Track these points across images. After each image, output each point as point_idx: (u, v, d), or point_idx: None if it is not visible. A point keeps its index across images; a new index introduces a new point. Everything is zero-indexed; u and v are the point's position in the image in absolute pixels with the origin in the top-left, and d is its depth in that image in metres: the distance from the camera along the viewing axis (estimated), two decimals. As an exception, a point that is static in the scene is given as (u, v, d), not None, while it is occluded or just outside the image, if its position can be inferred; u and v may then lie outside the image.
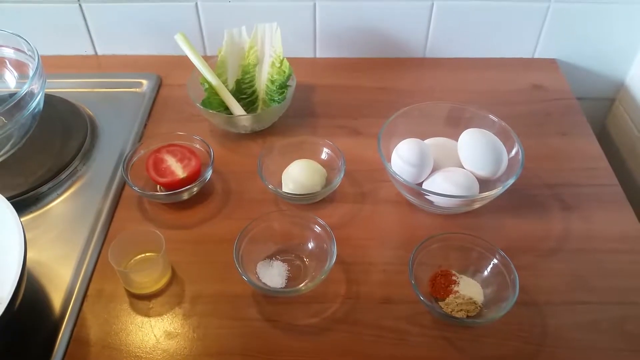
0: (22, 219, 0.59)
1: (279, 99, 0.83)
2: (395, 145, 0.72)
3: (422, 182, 0.72)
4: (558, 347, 0.59)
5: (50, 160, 0.78)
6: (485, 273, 0.64)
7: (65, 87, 0.91)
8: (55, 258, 0.68)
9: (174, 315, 0.63)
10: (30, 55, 0.78)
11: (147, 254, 0.67)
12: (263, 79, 0.86)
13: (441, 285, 0.63)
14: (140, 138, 0.84)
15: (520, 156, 0.70)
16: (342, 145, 0.77)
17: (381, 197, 0.75)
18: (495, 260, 0.64)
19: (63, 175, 0.77)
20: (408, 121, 0.76)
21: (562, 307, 0.63)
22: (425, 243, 0.64)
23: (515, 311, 0.59)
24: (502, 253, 0.63)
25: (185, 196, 0.74)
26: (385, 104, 0.89)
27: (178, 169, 0.74)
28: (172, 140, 0.78)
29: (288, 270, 0.66)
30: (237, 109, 0.83)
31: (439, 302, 0.62)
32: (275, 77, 0.84)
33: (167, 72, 0.96)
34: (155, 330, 0.61)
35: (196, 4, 0.93)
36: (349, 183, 0.77)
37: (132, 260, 0.67)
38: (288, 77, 0.83)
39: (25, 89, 0.71)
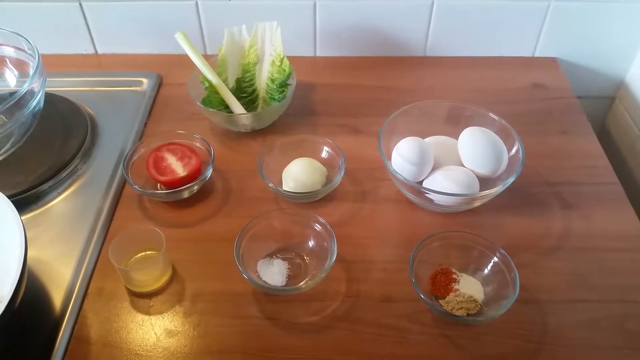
0: (22, 218, 0.59)
1: (279, 97, 0.83)
2: (396, 144, 0.72)
3: (423, 180, 0.72)
4: (558, 345, 0.59)
5: (51, 158, 0.78)
6: (486, 271, 0.64)
7: (66, 85, 0.91)
8: (56, 256, 0.68)
9: (175, 313, 0.63)
10: (30, 54, 0.78)
11: (147, 252, 0.68)
12: (263, 78, 0.86)
13: (441, 283, 0.63)
14: (141, 137, 0.84)
15: (520, 154, 0.70)
16: (343, 144, 0.77)
17: (381, 196, 0.75)
18: (495, 259, 0.64)
19: (63, 174, 0.77)
20: (408, 120, 0.76)
21: (563, 305, 0.63)
22: (426, 241, 0.64)
23: (515, 309, 0.59)
24: (503, 251, 0.63)
25: (186, 195, 0.74)
26: (385, 102, 0.89)
27: (178, 168, 0.74)
28: (172, 138, 0.78)
29: (288, 269, 0.66)
30: (237, 107, 0.83)
31: (440, 300, 0.63)
32: (276, 75, 0.84)
33: (167, 70, 0.96)
34: (155, 328, 0.61)
35: (196, 2, 0.93)
36: (349, 181, 0.77)
37: (132, 259, 0.67)
38: (288, 76, 0.83)
39: (25, 87, 0.71)
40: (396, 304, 0.63)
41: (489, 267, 0.64)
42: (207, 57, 0.83)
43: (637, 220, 0.72)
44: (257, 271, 0.65)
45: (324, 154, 0.78)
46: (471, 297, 0.62)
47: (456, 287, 0.63)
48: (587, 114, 0.87)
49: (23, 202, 0.73)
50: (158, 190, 0.75)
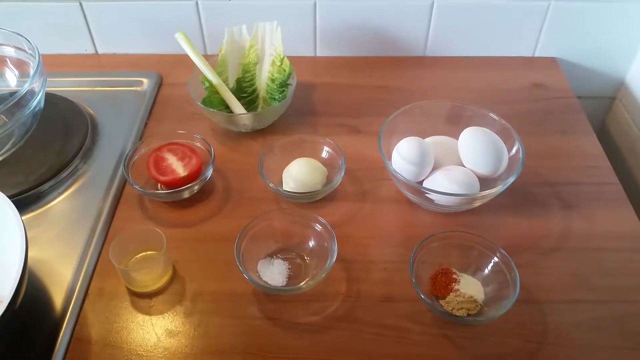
0: (23, 218, 0.59)
1: (279, 97, 0.83)
2: (396, 144, 0.72)
3: (423, 180, 0.72)
4: (559, 345, 0.59)
5: (51, 158, 0.78)
6: (486, 271, 0.64)
7: (66, 85, 0.91)
8: (57, 256, 0.68)
9: (175, 313, 0.63)
10: (31, 54, 0.78)
11: (148, 252, 0.68)
12: (263, 78, 0.86)
13: (442, 283, 0.63)
14: (141, 137, 0.84)
15: (520, 154, 0.70)
16: (343, 144, 0.77)
17: (382, 196, 0.75)
18: (495, 259, 0.64)
19: (64, 174, 0.77)
20: (408, 119, 0.76)
21: (563, 305, 0.63)
22: (426, 241, 0.65)
23: (515, 309, 0.59)
24: (503, 251, 0.63)
25: (186, 195, 0.74)
26: (385, 102, 0.89)
27: (179, 168, 0.74)
28: (172, 138, 0.78)
29: (289, 269, 0.66)
30: (237, 107, 0.83)
31: (440, 301, 0.63)
32: (276, 75, 0.84)
33: (167, 70, 0.96)
34: (156, 328, 0.61)
35: (196, 2, 0.93)
36: (349, 181, 0.77)
37: (133, 259, 0.67)
38: (288, 76, 0.83)
39: (26, 87, 0.71)
40: (396, 304, 0.63)
41: (489, 267, 0.64)
42: (207, 57, 0.83)
43: (637, 220, 0.72)
44: (257, 271, 0.65)
45: (324, 154, 0.78)
46: (471, 297, 0.62)
47: (456, 287, 0.63)
48: (587, 114, 0.88)
49: (24, 202, 0.73)
50: (158, 190, 0.75)
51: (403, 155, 0.70)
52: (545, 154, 0.81)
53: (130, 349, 0.60)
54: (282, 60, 0.83)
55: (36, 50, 0.76)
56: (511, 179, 0.67)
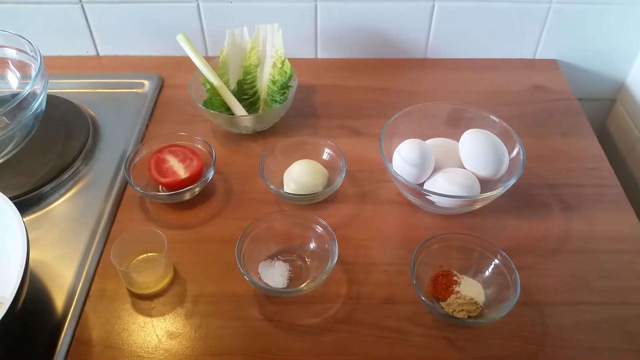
0: (24, 219, 0.59)
1: (280, 99, 0.83)
2: (397, 146, 0.72)
3: (424, 182, 0.72)
4: (559, 347, 0.59)
5: (53, 160, 0.78)
6: (487, 273, 0.64)
7: (68, 87, 0.91)
8: (58, 258, 0.68)
9: (176, 315, 0.63)
10: (32, 56, 0.78)
11: (149, 254, 0.68)
12: (264, 80, 0.86)
13: (442, 285, 0.64)
14: (142, 138, 0.84)
15: (521, 156, 0.70)
16: (344, 146, 0.77)
17: (382, 198, 0.75)
18: (496, 261, 0.64)
19: (65, 176, 0.77)
20: (409, 121, 0.76)
21: (563, 307, 0.63)
22: (427, 243, 0.65)
23: (516, 311, 0.59)
24: (503, 253, 0.63)
25: (187, 196, 0.74)
26: (386, 104, 0.89)
27: (180, 169, 0.75)
28: (174, 140, 0.78)
29: (290, 271, 0.66)
30: (238, 109, 0.83)
31: (440, 303, 0.63)
32: (277, 77, 0.84)
33: (168, 72, 0.96)
34: (157, 330, 0.62)
35: (198, 4, 0.93)
36: (350, 183, 0.77)
37: (134, 260, 0.67)
38: (289, 78, 0.83)
39: (27, 89, 0.71)
40: (397, 306, 0.63)
41: (490, 269, 0.64)
42: (208, 59, 0.83)
43: (637, 222, 0.72)
44: (258, 273, 0.65)
45: (325, 156, 0.78)
46: (472, 299, 0.62)
47: (457, 289, 0.63)
48: (587, 116, 0.88)
49: (25, 204, 0.73)
50: (159, 192, 0.75)
51: (404, 157, 0.70)
52: (546, 156, 0.81)
53: (131, 350, 0.60)
54: (283, 62, 0.83)
55: (38, 52, 0.76)
56: (512, 181, 0.67)
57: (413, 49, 0.98)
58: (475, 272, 0.65)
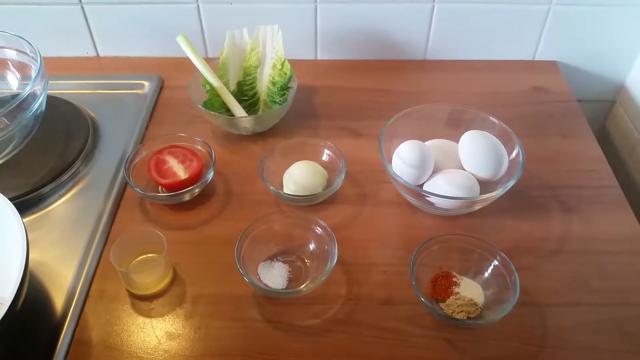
0: (24, 220, 0.59)
1: (280, 100, 0.83)
2: (396, 147, 0.72)
3: (423, 183, 0.72)
4: (559, 348, 0.59)
5: (52, 161, 0.78)
6: (486, 274, 0.64)
7: (67, 88, 0.92)
8: (57, 259, 0.68)
9: (176, 316, 0.63)
10: (32, 57, 0.78)
11: (148, 255, 0.68)
12: (264, 81, 0.86)
13: (442, 286, 0.64)
14: (142, 139, 0.84)
15: (520, 158, 0.70)
16: (343, 147, 0.77)
17: (382, 199, 0.75)
18: (495, 262, 0.64)
19: (65, 177, 0.77)
20: (409, 123, 0.76)
21: (563, 308, 0.63)
22: (426, 244, 0.65)
23: (516, 312, 0.59)
24: (503, 254, 0.63)
25: (187, 197, 0.74)
26: (386, 105, 0.89)
27: (180, 170, 0.75)
28: (173, 141, 0.78)
29: (289, 271, 0.66)
30: (238, 110, 0.83)
31: (440, 304, 0.63)
32: (277, 78, 0.84)
33: (168, 73, 0.96)
34: (156, 331, 0.62)
35: (198, 5, 0.93)
36: (350, 184, 0.77)
37: (133, 261, 0.67)
38: (289, 79, 0.83)
39: (27, 90, 0.71)
40: (397, 306, 0.63)
41: (490, 270, 0.64)
42: (208, 60, 0.83)
43: (636, 223, 0.72)
44: (257, 274, 0.65)
45: (324, 157, 0.78)
46: (471, 300, 0.62)
47: (456, 290, 0.63)
48: (587, 117, 0.88)
49: (25, 205, 0.73)
50: (159, 192, 0.75)
51: (403, 159, 0.70)
52: (546, 157, 0.81)
53: (131, 351, 0.60)
54: (283, 64, 0.83)
55: (38, 53, 0.76)
56: (511, 182, 0.67)
57: (413, 50, 0.98)
58: (474, 273, 0.65)
